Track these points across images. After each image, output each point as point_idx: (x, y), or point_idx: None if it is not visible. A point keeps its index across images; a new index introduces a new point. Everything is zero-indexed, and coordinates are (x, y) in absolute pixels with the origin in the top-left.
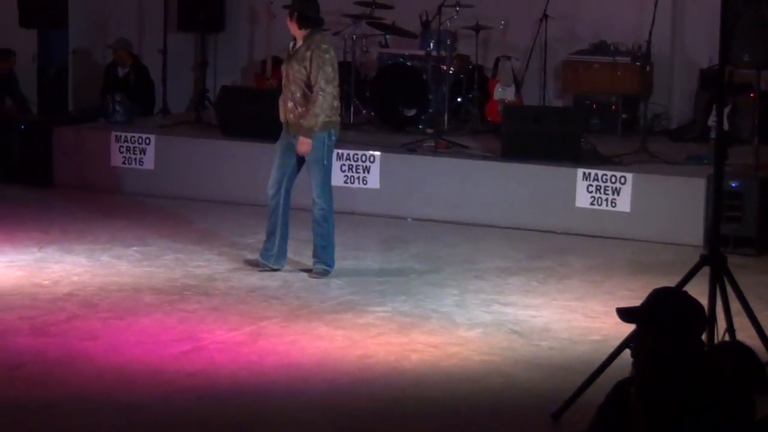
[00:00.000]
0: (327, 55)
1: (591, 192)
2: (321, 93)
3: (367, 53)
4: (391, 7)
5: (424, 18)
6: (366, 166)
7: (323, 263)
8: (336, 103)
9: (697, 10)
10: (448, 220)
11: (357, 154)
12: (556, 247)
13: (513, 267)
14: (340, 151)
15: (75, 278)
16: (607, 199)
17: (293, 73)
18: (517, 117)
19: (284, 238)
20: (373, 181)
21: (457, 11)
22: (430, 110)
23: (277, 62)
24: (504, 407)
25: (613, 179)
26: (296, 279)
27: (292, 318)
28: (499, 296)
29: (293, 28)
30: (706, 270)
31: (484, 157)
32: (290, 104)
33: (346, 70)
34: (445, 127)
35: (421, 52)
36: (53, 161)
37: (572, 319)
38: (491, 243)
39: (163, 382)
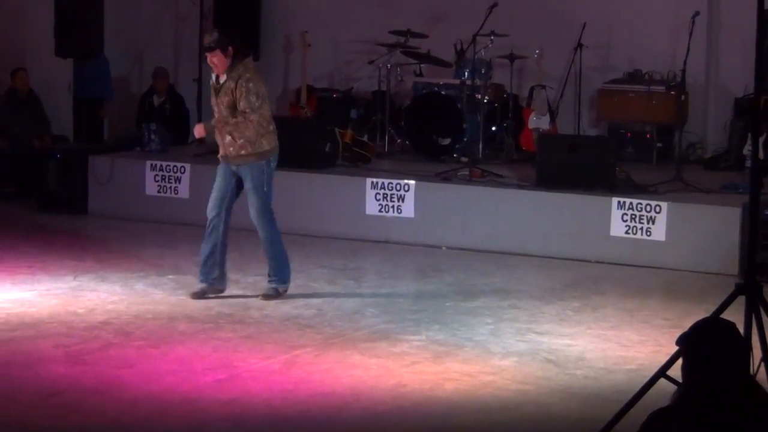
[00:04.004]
0: (251, 84)
1: (626, 221)
2: (241, 117)
3: (401, 82)
4: (425, 36)
5: (458, 47)
6: (401, 195)
7: (275, 282)
8: (272, 127)
9: (731, 39)
10: (483, 248)
11: (392, 183)
12: (591, 276)
13: (548, 296)
14: (374, 180)
15: (110, 306)
16: (642, 228)
17: (224, 108)
18: (551, 146)
19: (225, 259)
20: (408, 210)
21: (491, 40)
22: (465, 139)
23: (312, 91)
24: None
25: (648, 208)
26: (330, 308)
27: (326, 346)
28: (533, 325)
29: (223, 64)
30: (741, 299)
31: (519, 186)
32: (228, 138)
33: (380, 99)
34: (480, 155)
35: (456, 81)
36: (89, 190)
37: (607, 348)
38: (526, 272)
39: (198, 410)
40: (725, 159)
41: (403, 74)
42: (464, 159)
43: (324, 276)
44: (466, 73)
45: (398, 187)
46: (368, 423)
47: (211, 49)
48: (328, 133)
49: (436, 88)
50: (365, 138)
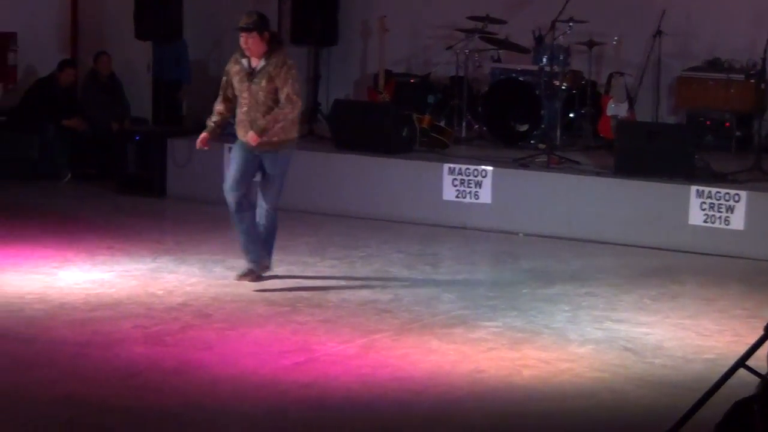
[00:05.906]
0: (294, 71)
1: (704, 209)
2: (290, 104)
3: (479, 68)
4: (504, 22)
5: (537, 33)
6: (478, 181)
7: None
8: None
9: None
10: (560, 235)
11: (469, 169)
12: (669, 265)
13: (625, 284)
14: (452, 165)
15: (188, 288)
16: (720, 217)
17: (262, 95)
18: (630, 133)
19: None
20: (485, 195)
21: (570, 27)
22: (543, 125)
23: (390, 76)
24: (616, 424)
25: (727, 197)
26: (407, 293)
27: (403, 331)
28: (611, 313)
29: (257, 47)
30: None
31: (597, 173)
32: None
33: (458, 84)
34: (558, 142)
35: (534, 67)
36: (167, 172)
37: (685, 337)
38: (603, 259)
39: (278, 392)
40: None
41: (481, 60)
42: (542, 145)
43: (401, 261)
44: (544, 60)
45: (475, 173)
46: (445, 407)
47: (248, 30)
48: (405, 118)
49: (514, 74)
50: (443, 123)
